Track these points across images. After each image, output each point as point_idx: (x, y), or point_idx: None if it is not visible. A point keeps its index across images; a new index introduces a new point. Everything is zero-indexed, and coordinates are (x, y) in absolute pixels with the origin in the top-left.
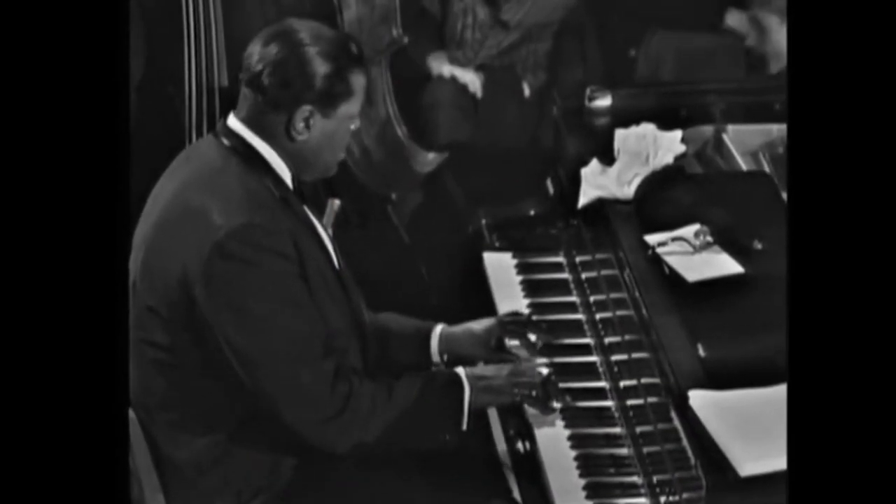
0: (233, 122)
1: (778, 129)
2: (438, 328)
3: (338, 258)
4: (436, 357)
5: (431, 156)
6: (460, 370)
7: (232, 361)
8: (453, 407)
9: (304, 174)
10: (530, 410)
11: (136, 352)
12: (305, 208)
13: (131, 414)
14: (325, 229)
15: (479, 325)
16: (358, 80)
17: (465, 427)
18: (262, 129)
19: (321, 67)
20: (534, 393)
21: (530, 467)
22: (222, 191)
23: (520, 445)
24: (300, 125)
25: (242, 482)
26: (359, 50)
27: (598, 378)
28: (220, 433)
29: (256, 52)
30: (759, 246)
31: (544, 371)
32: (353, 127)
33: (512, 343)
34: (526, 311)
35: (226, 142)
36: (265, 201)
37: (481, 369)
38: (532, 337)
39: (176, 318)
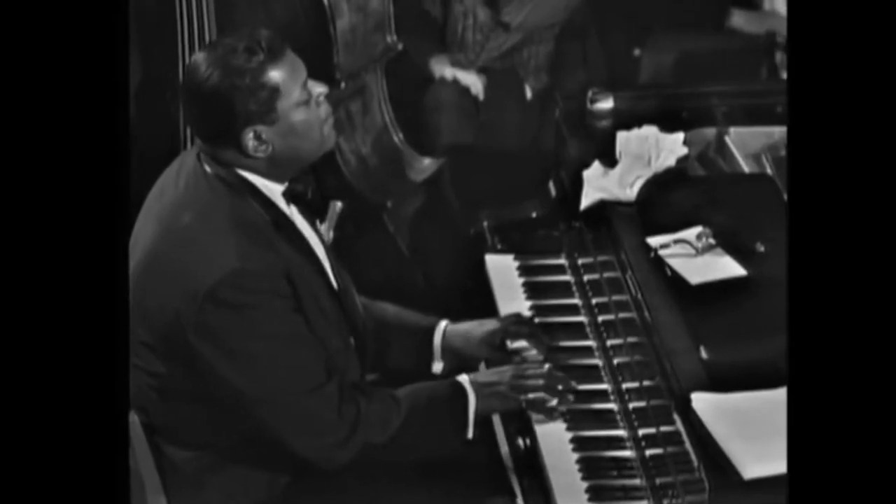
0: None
1: (780, 132)
2: (442, 324)
3: (335, 273)
4: (437, 353)
5: (427, 162)
6: (463, 378)
7: (233, 401)
8: (458, 417)
9: (300, 167)
10: (534, 415)
11: (132, 374)
12: (299, 226)
13: (132, 417)
14: (323, 241)
15: (482, 325)
16: (278, 74)
17: (470, 436)
18: (228, 162)
19: (237, 91)
20: (538, 393)
21: (532, 470)
22: (213, 228)
23: (522, 448)
24: (254, 144)
25: (241, 496)
26: (263, 46)
27: (600, 380)
28: (215, 451)
29: (183, 108)
30: (761, 248)
31: (546, 367)
32: (318, 100)
33: (516, 345)
34: (528, 313)
35: (209, 169)
36: (257, 233)
37: (484, 376)
38: (535, 351)
39: (171, 354)
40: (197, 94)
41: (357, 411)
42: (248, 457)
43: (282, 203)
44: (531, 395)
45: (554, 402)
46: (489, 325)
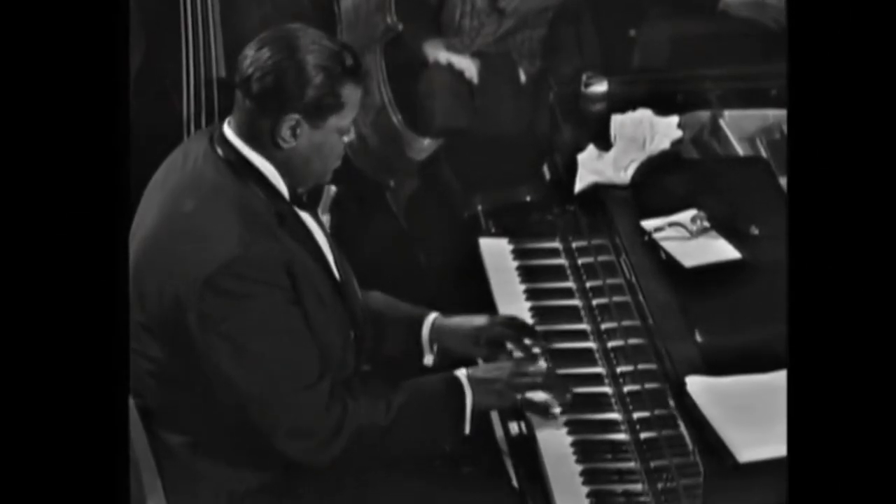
0: (227, 130)
1: (774, 115)
2: (431, 317)
3: (337, 265)
4: (426, 346)
5: (427, 142)
6: (461, 373)
7: (225, 391)
8: (454, 413)
9: (296, 183)
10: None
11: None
12: (303, 218)
13: (131, 402)
14: (326, 232)
15: (472, 321)
16: (350, 94)
17: (467, 432)
18: (252, 136)
19: (312, 78)
20: (536, 392)
21: (527, 453)
22: (216, 213)
23: (517, 432)
24: (286, 133)
25: (236, 482)
26: (355, 62)
27: (594, 364)
28: (209, 438)
29: (250, 56)
30: (755, 231)
31: (544, 366)
32: (345, 139)
33: (509, 347)
34: (525, 311)
35: (220, 152)
36: (260, 222)
37: (482, 371)
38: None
39: (168, 338)
40: (286, 60)
41: (343, 410)
42: (238, 447)
43: (287, 194)
44: (528, 394)
45: (555, 409)
46: (477, 321)
